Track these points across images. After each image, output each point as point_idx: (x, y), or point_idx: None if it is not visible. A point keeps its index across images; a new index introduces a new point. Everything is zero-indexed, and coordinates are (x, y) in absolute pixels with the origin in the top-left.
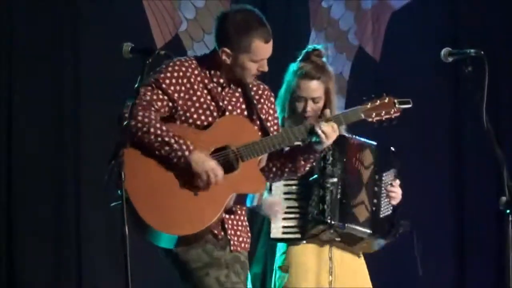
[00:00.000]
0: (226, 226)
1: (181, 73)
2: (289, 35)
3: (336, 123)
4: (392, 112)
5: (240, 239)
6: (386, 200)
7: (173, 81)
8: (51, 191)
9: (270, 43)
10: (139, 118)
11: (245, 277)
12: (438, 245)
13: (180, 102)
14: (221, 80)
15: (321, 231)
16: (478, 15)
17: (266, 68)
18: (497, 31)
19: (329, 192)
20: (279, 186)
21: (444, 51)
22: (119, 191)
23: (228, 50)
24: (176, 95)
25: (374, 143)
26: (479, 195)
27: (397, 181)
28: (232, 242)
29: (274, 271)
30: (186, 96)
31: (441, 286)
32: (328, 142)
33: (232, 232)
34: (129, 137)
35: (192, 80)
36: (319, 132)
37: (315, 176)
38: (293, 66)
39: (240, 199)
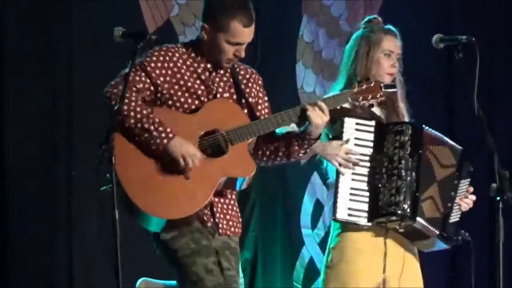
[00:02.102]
0: (215, 209)
1: (167, 58)
2: (281, 21)
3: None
4: (378, 96)
5: (230, 223)
6: (457, 207)
7: (158, 64)
8: (43, 177)
9: (249, 29)
10: (121, 101)
11: (236, 262)
12: None
13: (166, 85)
14: (208, 65)
15: (390, 222)
16: (471, 1)
17: (242, 54)
18: (491, 17)
19: (405, 183)
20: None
21: (435, 37)
22: (109, 175)
23: (207, 26)
24: (161, 78)
25: (460, 147)
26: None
27: (471, 189)
28: (220, 225)
29: (327, 251)
30: (173, 80)
31: (433, 270)
32: (319, 125)
33: (222, 216)
34: (115, 120)
35: (179, 64)
36: (309, 114)
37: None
38: (359, 33)
39: (230, 183)
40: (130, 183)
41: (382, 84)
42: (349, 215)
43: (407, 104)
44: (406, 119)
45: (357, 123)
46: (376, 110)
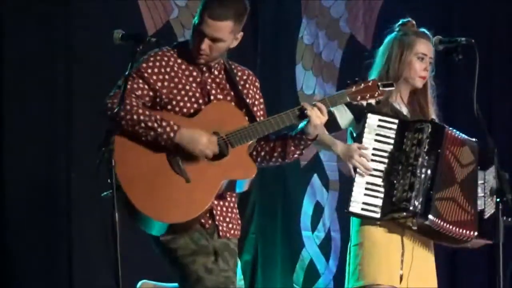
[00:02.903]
0: (214, 212)
1: (163, 62)
2: (281, 23)
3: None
4: (376, 95)
5: (230, 225)
6: (489, 199)
7: (155, 70)
8: (43, 180)
9: (215, 23)
10: (121, 106)
11: (234, 264)
12: None
13: (164, 91)
14: (201, 65)
15: (402, 218)
16: (471, 3)
17: (202, 47)
18: (490, 19)
19: (419, 181)
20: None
21: (435, 39)
22: (109, 179)
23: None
24: (159, 83)
25: (474, 140)
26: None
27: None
28: (220, 228)
29: (348, 249)
30: (171, 85)
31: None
32: (317, 125)
33: (221, 218)
34: (116, 125)
35: (175, 68)
36: (309, 114)
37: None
38: (392, 35)
39: (231, 185)
40: (131, 187)
41: (379, 83)
42: (363, 209)
43: (437, 108)
44: None
45: (380, 120)
46: (403, 109)
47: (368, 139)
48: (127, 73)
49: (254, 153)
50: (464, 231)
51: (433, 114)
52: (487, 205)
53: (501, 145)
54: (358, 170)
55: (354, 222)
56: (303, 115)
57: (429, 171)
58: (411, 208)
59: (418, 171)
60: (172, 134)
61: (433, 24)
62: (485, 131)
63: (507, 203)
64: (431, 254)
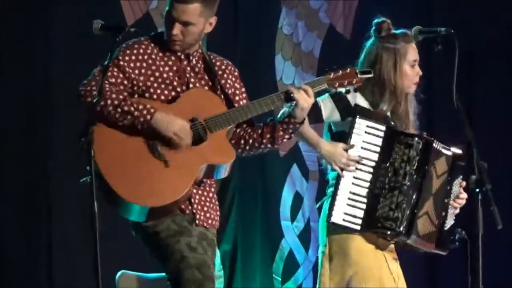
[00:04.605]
0: (192, 200)
1: (141, 50)
2: (260, 13)
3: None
4: (354, 82)
5: (208, 215)
6: (451, 210)
7: (133, 57)
8: (22, 171)
9: (181, 6)
10: (94, 93)
11: (213, 254)
12: None
13: (141, 78)
14: (178, 53)
15: (384, 234)
16: None
17: (173, 31)
18: (472, 10)
19: (406, 200)
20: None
21: (414, 30)
22: (88, 167)
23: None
24: (136, 71)
25: (450, 153)
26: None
27: (464, 183)
28: (197, 217)
29: (322, 255)
30: (148, 72)
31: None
32: (304, 108)
33: (199, 207)
34: (92, 112)
35: (153, 56)
36: (296, 97)
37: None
38: (373, 42)
39: (210, 171)
40: (110, 173)
41: (357, 70)
42: (344, 220)
43: (417, 118)
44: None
45: (367, 126)
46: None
47: (356, 145)
48: (105, 63)
49: (242, 141)
50: (428, 244)
51: (413, 123)
52: (449, 217)
53: (480, 136)
54: (341, 175)
55: (322, 229)
56: (289, 99)
57: (416, 191)
58: (396, 228)
59: (406, 190)
60: (148, 117)
61: (413, 13)
62: (465, 122)
63: (486, 193)
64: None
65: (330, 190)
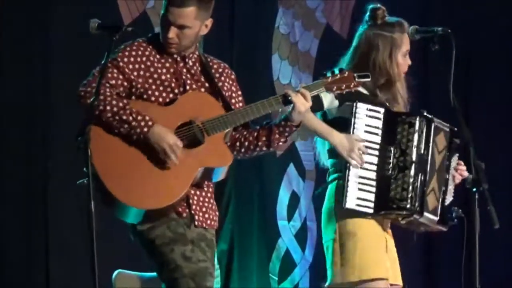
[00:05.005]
0: (190, 201)
1: (139, 52)
2: (257, 13)
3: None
4: (352, 86)
5: (206, 215)
6: (451, 186)
7: (131, 59)
8: (20, 171)
9: (178, 10)
10: (96, 96)
11: (212, 254)
12: None
13: (140, 80)
14: (175, 55)
15: (398, 215)
16: None
17: (169, 35)
18: (469, 10)
19: (417, 179)
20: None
21: (411, 29)
22: (85, 168)
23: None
24: (135, 73)
25: (447, 126)
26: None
27: (462, 164)
28: (196, 218)
29: (327, 244)
30: (147, 74)
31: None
32: (302, 112)
33: (198, 208)
34: (91, 115)
35: (151, 58)
36: (294, 100)
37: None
38: (366, 28)
39: (207, 173)
40: (107, 174)
41: (355, 74)
42: (357, 205)
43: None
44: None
45: (367, 109)
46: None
47: (359, 130)
48: (103, 62)
49: (237, 144)
50: (432, 217)
51: (406, 101)
52: (449, 192)
53: (477, 136)
54: (353, 163)
55: (329, 216)
56: (287, 101)
57: (424, 169)
58: (410, 207)
59: (416, 168)
60: (146, 129)
61: (410, 13)
62: (461, 121)
63: (483, 192)
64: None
65: (332, 177)
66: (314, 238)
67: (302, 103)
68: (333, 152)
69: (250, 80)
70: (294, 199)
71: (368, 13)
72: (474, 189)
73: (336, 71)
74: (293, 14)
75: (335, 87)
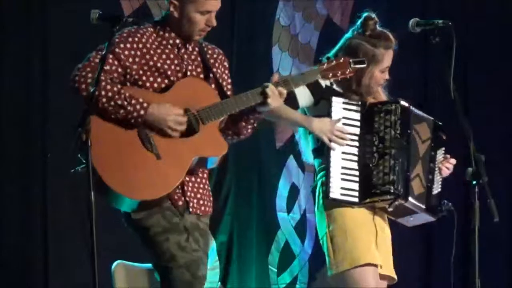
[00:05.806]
0: (185, 188)
1: (136, 39)
2: (257, 5)
3: (285, 86)
4: (347, 72)
5: (201, 202)
6: (438, 177)
7: (128, 45)
8: (18, 161)
9: None
10: (89, 80)
11: (205, 244)
12: None
13: (135, 67)
14: (177, 41)
15: (383, 200)
16: None
17: (214, 22)
18: (468, 3)
19: (398, 163)
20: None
21: (412, 22)
22: (81, 157)
23: (175, 1)
24: (130, 59)
25: (431, 118)
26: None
27: (448, 156)
28: (191, 204)
29: (322, 238)
30: (142, 61)
31: (408, 255)
32: (272, 104)
33: (192, 194)
34: (87, 103)
35: (148, 45)
36: (269, 94)
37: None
38: (352, 36)
39: (202, 162)
40: (102, 164)
41: (351, 60)
42: (342, 194)
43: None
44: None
45: (344, 102)
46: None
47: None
48: (103, 52)
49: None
50: (418, 203)
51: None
52: (436, 182)
53: (477, 129)
54: (332, 148)
55: (320, 212)
56: (263, 94)
57: (404, 153)
58: (394, 191)
59: (395, 153)
60: (142, 112)
61: (411, 5)
62: (461, 114)
63: (483, 186)
64: (389, 234)
65: (319, 175)
66: (314, 230)
67: (276, 99)
68: (317, 151)
69: (250, 71)
70: (294, 191)
71: (360, 20)
72: (474, 182)
73: (332, 57)
74: (293, 5)
75: (330, 74)
